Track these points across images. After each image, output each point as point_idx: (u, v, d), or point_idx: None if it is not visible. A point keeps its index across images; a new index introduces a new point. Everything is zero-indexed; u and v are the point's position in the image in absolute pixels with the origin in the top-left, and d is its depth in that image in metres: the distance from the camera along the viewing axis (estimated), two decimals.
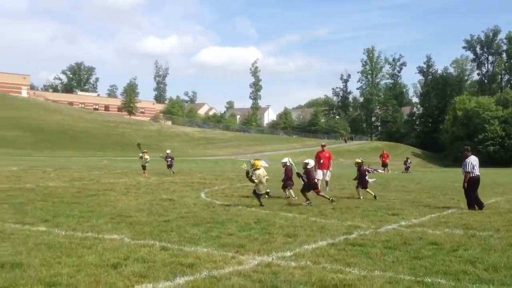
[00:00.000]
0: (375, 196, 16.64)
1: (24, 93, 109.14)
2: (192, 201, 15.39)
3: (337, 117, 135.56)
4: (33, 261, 7.28)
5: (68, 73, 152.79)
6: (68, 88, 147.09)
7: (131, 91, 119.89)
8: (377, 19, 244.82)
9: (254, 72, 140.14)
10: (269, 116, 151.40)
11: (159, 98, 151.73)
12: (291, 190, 16.36)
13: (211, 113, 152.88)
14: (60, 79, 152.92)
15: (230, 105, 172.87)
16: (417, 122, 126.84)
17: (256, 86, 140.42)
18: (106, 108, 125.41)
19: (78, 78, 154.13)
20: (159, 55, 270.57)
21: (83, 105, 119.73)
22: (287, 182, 16.58)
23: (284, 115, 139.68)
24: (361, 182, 17.16)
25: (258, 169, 14.55)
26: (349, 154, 75.67)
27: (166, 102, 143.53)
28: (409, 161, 46.51)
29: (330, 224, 11.20)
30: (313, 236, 9.67)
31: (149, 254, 7.88)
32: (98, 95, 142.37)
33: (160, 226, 10.59)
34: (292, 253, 8.21)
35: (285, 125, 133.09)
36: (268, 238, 9.48)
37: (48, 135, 72.63)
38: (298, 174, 15.31)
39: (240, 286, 6.33)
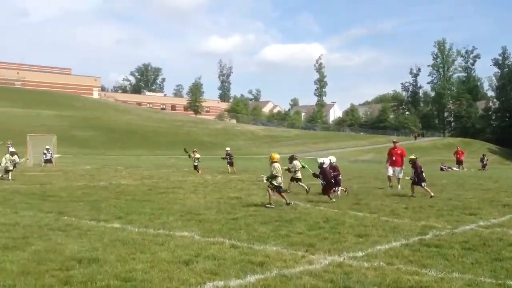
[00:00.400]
0: (430, 196, 16.12)
1: (96, 95, 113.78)
2: (259, 199, 15.40)
3: (407, 112, 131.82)
4: (109, 257, 7.49)
5: (136, 74, 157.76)
6: (136, 89, 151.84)
7: (196, 90, 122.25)
8: (448, 9, 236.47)
9: (319, 68, 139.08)
10: (335, 113, 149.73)
11: (224, 96, 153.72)
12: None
13: (275, 110, 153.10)
14: (128, 80, 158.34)
15: (294, 102, 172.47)
16: (493, 117, 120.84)
17: (321, 83, 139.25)
18: (173, 107, 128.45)
19: (146, 79, 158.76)
20: (222, 54, 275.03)
21: (150, 105, 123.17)
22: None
23: (351, 111, 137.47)
24: (418, 178, 16.70)
25: (276, 162, 14.14)
26: (420, 151, 73.43)
27: (231, 100, 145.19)
28: (486, 158, 44.55)
29: (403, 224, 10.87)
30: (386, 236, 9.40)
31: (219, 252, 7.93)
32: (165, 95, 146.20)
33: (229, 224, 10.65)
34: (364, 253, 8.01)
35: (351, 122, 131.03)
36: (338, 237, 9.31)
37: (119, 134, 75.17)
38: (314, 175, 15.12)
39: (312, 285, 6.23)
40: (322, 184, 15.07)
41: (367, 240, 9.09)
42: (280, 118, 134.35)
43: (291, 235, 9.50)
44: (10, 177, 21.69)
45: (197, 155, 28.36)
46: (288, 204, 13.64)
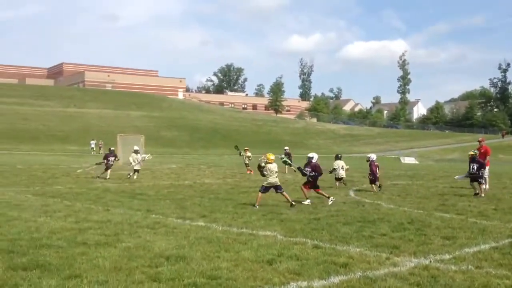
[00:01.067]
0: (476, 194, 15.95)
1: (180, 95, 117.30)
2: (341, 199, 15.27)
3: (495, 109, 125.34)
4: (195, 254, 7.72)
5: (219, 74, 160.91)
6: (219, 89, 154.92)
7: (277, 89, 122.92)
8: None
9: (402, 65, 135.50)
10: (419, 111, 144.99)
11: (304, 95, 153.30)
12: (373, 185, 17.81)
13: (356, 109, 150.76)
14: (211, 80, 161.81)
15: (376, 100, 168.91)
16: None
17: (404, 80, 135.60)
18: (254, 107, 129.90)
19: (228, 79, 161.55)
20: (303, 53, 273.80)
21: (232, 105, 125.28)
22: (371, 178, 17.92)
23: (436, 109, 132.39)
24: (476, 174, 16.35)
25: (271, 163, 13.91)
26: (508, 149, 69.76)
27: (311, 99, 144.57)
28: None
29: (492, 226, 10.39)
30: (474, 239, 9.04)
31: (302, 252, 7.95)
32: (246, 94, 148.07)
33: (311, 224, 10.65)
34: (451, 256, 7.75)
35: (436, 120, 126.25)
36: (424, 239, 9.05)
37: (202, 134, 77.11)
38: (299, 168, 14.82)
39: None
40: (309, 177, 14.67)
41: (455, 242, 8.77)
42: (361, 117, 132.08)
43: (374, 236, 9.35)
44: (134, 177, 22.01)
45: (248, 154, 28.31)
46: (292, 205, 13.42)
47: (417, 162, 53.50)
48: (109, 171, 22.45)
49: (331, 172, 19.30)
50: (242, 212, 12.38)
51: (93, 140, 54.62)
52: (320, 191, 14.65)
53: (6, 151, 49.54)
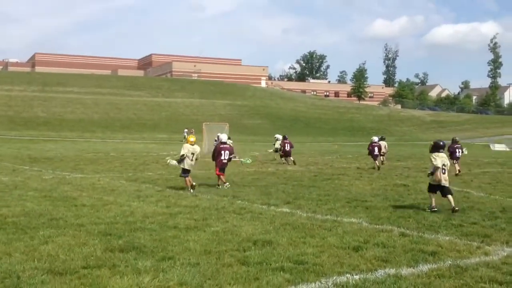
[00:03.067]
0: None
1: (263, 84, 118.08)
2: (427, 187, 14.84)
3: None
4: (280, 239, 7.88)
5: (302, 62, 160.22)
6: (301, 77, 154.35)
7: (360, 76, 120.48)
8: None
9: (493, 48, 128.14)
10: (511, 96, 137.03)
11: (388, 81, 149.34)
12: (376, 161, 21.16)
13: (443, 94, 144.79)
14: (294, 68, 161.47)
15: (465, 85, 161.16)
16: None
17: (495, 64, 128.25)
18: (336, 94, 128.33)
19: (310, 66, 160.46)
20: (388, 38, 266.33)
21: (314, 93, 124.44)
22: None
23: None
24: None
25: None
26: None
27: (396, 85, 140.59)
28: None
29: None
30: None
31: (388, 239, 7.89)
32: (329, 82, 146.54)
33: (397, 212, 10.50)
34: None
35: None
36: None
37: (284, 122, 77.33)
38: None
39: (489, 278, 5.94)
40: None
41: None
42: (448, 102, 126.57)
43: (464, 225, 9.08)
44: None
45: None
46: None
47: (508, 149, 50.79)
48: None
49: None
50: (326, 199, 12.41)
51: (186, 128, 56.43)
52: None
53: (100, 139, 52.36)
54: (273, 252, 7.10)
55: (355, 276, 5.98)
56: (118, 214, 10.06)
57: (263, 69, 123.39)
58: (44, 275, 5.97)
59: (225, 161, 14.91)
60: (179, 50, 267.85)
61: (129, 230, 8.57)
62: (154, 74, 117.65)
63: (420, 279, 5.92)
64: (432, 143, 11.23)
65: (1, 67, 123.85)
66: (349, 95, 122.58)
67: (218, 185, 14.66)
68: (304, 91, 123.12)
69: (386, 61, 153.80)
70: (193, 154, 14.03)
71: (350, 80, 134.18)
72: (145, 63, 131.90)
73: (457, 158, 19.27)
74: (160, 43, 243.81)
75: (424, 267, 6.35)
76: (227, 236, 8.12)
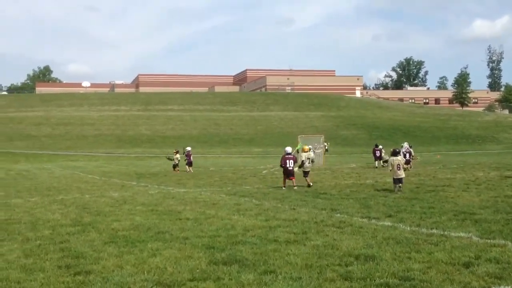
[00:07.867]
0: None
1: (358, 93, 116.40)
2: None
3: None
4: (384, 254, 7.64)
5: (398, 69, 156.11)
6: (397, 85, 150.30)
7: (462, 81, 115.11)
8: None
9: None
10: None
11: (494, 85, 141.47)
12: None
13: None
14: (390, 76, 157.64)
15: None
16: None
17: None
18: (437, 101, 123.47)
19: (407, 73, 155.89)
20: (490, 39, 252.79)
21: (413, 100, 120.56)
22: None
23: None
24: None
25: (305, 152, 19.68)
26: None
27: (502, 89, 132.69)
28: None
29: None
30: None
31: (501, 255, 7.40)
32: (428, 88, 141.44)
33: (510, 225, 9.83)
34: None
35: None
36: None
37: (381, 131, 75.53)
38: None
39: None
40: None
41: None
42: None
43: None
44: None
45: (178, 156, 30.27)
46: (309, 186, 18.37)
47: None
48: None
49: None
50: (430, 212, 11.88)
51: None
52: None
53: (200, 155, 54.08)
54: (377, 268, 6.89)
55: None
56: (220, 228, 10.28)
57: (357, 79, 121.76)
58: (154, 287, 6.21)
59: (290, 168, 18.41)
60: (272, 64, 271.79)
61: (231, 243, 8.72)
62: (249, 89, 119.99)
63: None
64: None
65: (108, 89, 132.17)
66: (450, 101, 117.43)
67: (295, 186, 18.17)
68: (401, 99, 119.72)
69: (491, 64, 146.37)
70: (308, 159, 19.44)
71: (452, 85, 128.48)
72: (240, 78, 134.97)
73: None
74: (254, 58, 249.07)
75: None
76: (327, 250, 8.00)
